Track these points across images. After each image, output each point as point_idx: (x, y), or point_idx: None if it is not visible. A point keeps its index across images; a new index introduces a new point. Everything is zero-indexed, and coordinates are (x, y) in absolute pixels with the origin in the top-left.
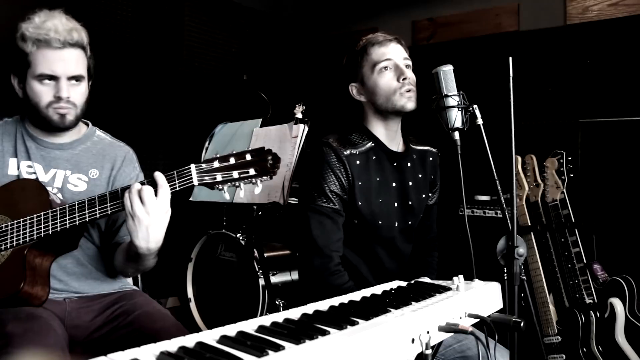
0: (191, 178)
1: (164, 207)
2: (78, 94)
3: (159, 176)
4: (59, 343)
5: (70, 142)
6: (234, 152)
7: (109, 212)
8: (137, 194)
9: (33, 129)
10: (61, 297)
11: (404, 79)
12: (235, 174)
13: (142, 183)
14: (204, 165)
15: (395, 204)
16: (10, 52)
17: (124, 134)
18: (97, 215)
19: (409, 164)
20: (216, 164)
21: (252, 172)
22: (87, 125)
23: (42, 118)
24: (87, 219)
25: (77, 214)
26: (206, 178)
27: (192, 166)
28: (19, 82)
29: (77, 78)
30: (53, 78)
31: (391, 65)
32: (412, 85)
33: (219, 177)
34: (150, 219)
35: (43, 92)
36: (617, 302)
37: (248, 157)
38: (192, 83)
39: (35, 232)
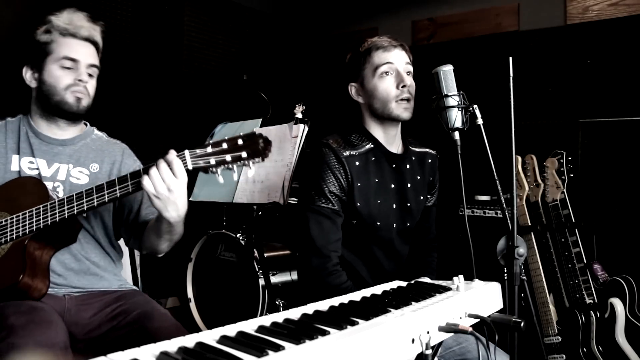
0: (185, 162)
1: (183, 180)
2: (91, 85)
3: (170, 153)
4: (60, 335)
5: (72, 138)
6: (227, 138)
7: (106, 200)
8: (158, 176)
9: (38, 124)
10: (61, 293)
11: (403, 86)
12: (228, 157)
13: (150, 166)
14: (197, 151)
15: (394, 206)
16: (25, 45)
17: (124, 133)
18: (95, 204)
19: (407, 166)
20: (209, 149)
21: (244, 154)
22: (86, 124)
23: (56, 103)
24: (85, 208)
25: (75, 204)
26: (200, 162)
27: (187, 152)
28: (34, 72)
29: (92, 70)
30: (74, 63)
31: (392, 70)
32: (411, 93)
33: (212, 161)
34: (176, 194)
35: (63, 76)
36: (617, 302)
37: (240, 141)
38: (192, 83)
39: (34, 224)
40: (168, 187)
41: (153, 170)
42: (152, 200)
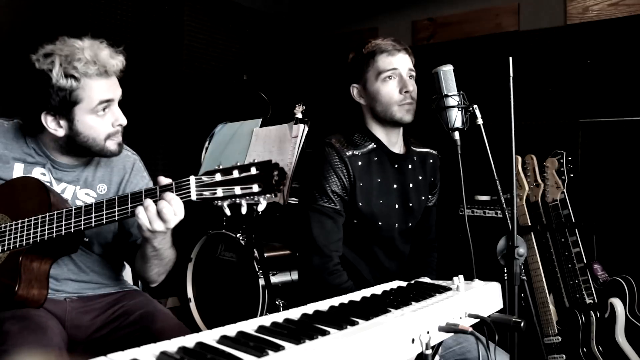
0: (189, 192)
1: (181, 216)
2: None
3: (168, 194)
4: (55, 341)
5: (80, 163)
6: (238, 165)
7: (104, 221)
8: (156, 216)
9: (53, 154)
10: (61, 297)
11: (406, 92)
12: (237, 190)
13: (150, 194)
14: (204, 178)
15: (396, 206)
16: (41, 92)
17: (123, 134)
18: (92, 224)
19: (409, 166)
20: (218, 177)
21: (255, 188)
22: None
23: (97, 152)
24: (82, 227)
25: (72, 220)
26: (206, 193)
27: (192, 178)
28: (57, 120)
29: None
30: (108, 102)
31: (396, 75)
32: (413, 98)
33: (219, 192)
34: (171, 228)
35: (102, 125)
36: (617, 302)
37: (253, 170)
38: (192, 83)
39: (32, 235)
40: (167, 226)
41: (151, 209)
42: (144, 233)
